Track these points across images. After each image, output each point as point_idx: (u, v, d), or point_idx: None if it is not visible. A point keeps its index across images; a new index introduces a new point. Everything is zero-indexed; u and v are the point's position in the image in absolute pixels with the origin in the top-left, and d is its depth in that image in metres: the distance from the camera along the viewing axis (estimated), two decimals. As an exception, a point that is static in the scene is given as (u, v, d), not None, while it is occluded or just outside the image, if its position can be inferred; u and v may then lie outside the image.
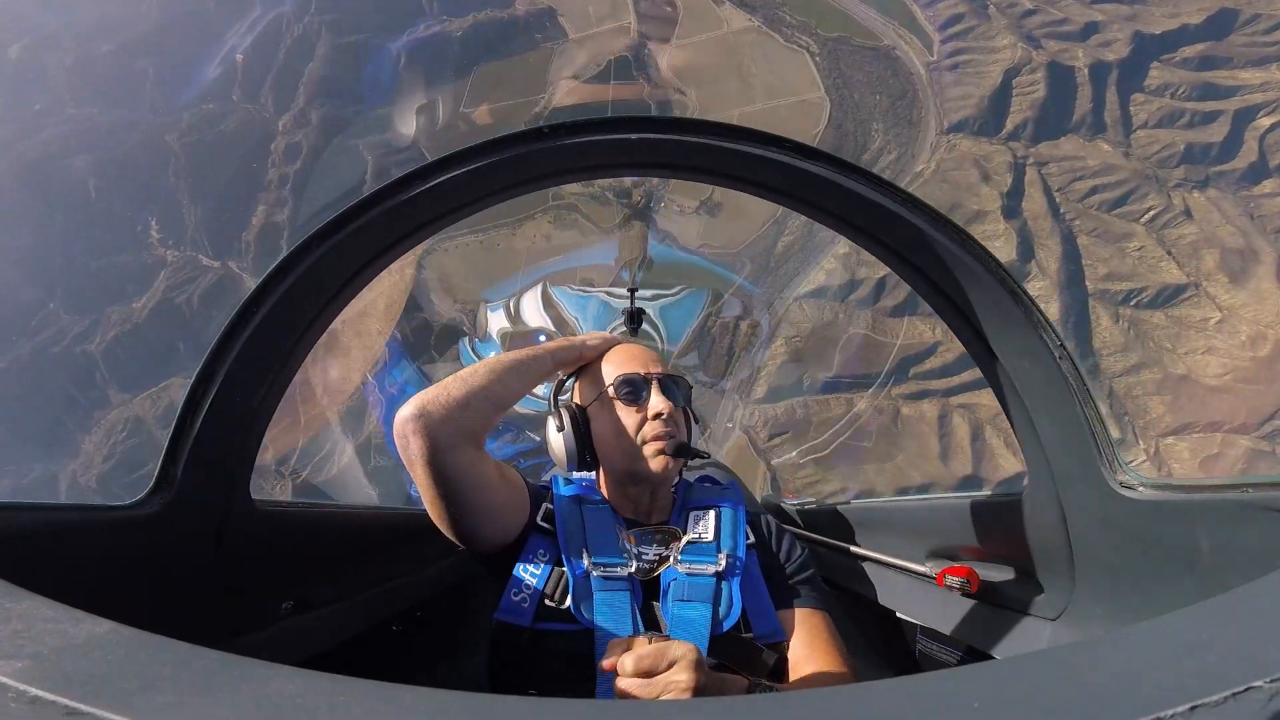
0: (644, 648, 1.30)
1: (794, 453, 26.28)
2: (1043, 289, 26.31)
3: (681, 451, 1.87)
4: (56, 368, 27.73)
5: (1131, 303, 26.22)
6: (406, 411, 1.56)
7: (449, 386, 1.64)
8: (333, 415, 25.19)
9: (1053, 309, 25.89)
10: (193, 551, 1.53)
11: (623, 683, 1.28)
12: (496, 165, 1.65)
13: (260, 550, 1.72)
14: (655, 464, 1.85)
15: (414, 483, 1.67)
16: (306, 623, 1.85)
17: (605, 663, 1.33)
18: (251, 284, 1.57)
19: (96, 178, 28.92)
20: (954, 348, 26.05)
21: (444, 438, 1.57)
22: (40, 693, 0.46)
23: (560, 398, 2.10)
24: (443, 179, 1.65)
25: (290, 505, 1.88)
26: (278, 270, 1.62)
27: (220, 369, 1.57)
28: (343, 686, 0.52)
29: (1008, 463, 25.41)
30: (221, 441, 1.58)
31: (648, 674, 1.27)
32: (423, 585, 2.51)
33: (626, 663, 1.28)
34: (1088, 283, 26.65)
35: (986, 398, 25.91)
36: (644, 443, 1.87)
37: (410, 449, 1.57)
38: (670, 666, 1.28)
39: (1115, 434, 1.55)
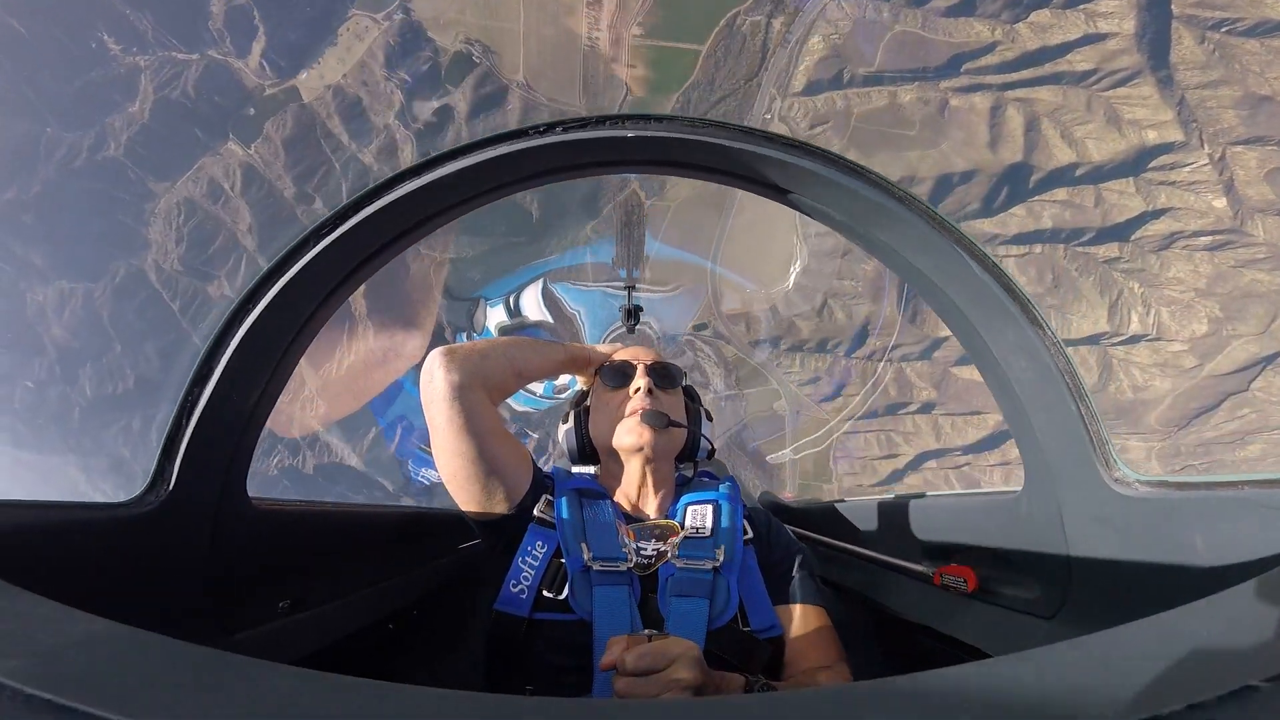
0: (643, 646, 1.30)
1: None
2: (1118, 7, 25.06)
3: (652, 419, 1.93)
4: (88, 178, 28.31)
5: (1224, 29, 24.68)
6: (436, 351, 1.76)
7: (474, 341, 1.84)
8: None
9: (1128, 25, 24.85)
10: (188, 550, 1.53)
11: (622, 682, 1.28)
12: (488, 164, 1.66)
13: (256, 548, 1.72)
14: (629, 432, 1.95)
15: (428, 443, 1.82)
16: (303, 621, 1.85)
17: (604, 661, 1.32)
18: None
19: (17, 17, 28.61)
20: (1015, 46, 25.26)
21: (464, 376, 1.74)
22: (36, 691, 0.46)
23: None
24: (434, 178, 1.65)
25: (287, 504, 1.88)
26: (271, 271, 1.63)
27: (215, 367, 1.56)
28: (339, 685, 0.52)
29: (1062, 154, 24.89)
30: (217, 440, 1.57)
31: (647, 672, 1.27)
32: (419, 584, 2.51)
33: (626, 660, 1.27)
34: (1173, 6, 25.03)
35: (1046, 93, 25.13)
36: (622, 418, 1.98)
37: (434, 381, 1.74)
38: (670, 665, 1.27)
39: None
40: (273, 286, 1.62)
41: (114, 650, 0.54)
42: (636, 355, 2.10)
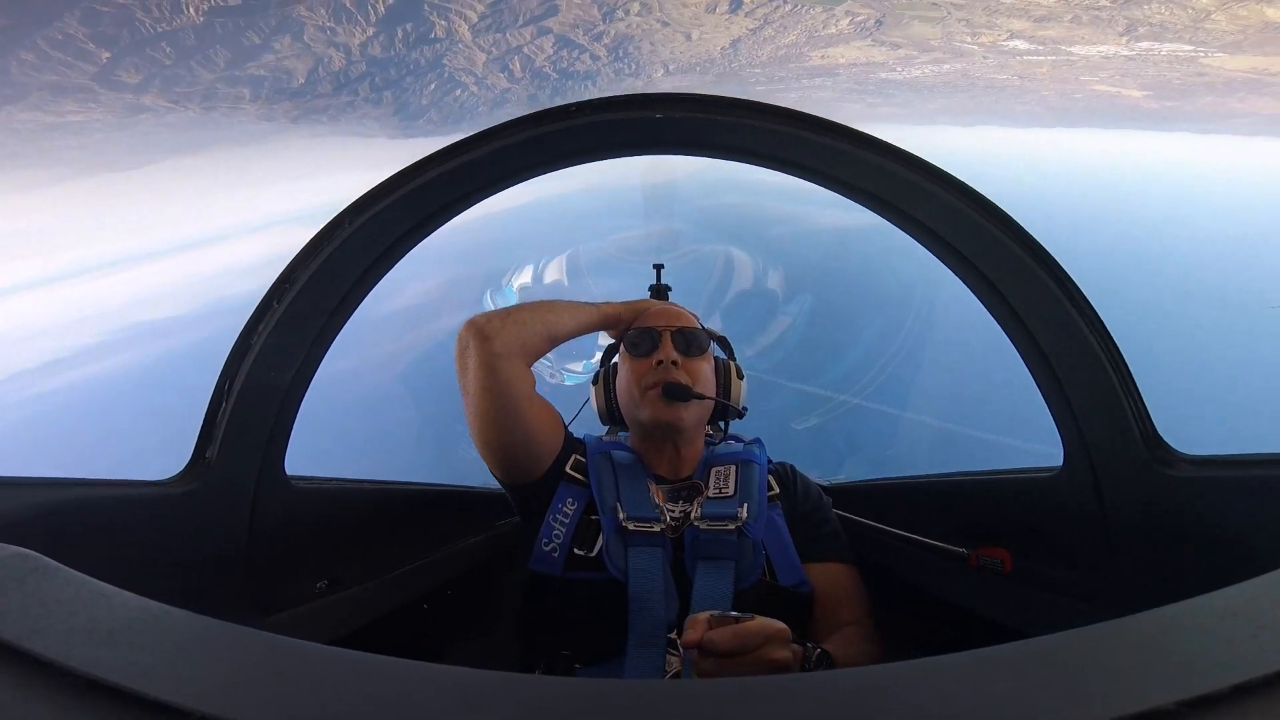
0: (732, 626, 1.27)
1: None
2: None
3: (674, 393, 1.90)
4: None
5: None
6: (470, 320, 1.74)
7: (507, 308, 1.81)
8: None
9: None
10: (229, 529, 1.56)
11: (708, 662, 1.25)
12: (521, 144, 1.65)
13: (295, 527, 1.75)
14: (647, 407, 1.92)
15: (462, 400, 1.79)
16: (340, 600, 1.88)
17: (687, 639, 1.28)
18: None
19: None
20: None
21: (499, 345, 1.71)
22: (73, 667, 0.46)
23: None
24: (467, 159, 1.65)
25: (325, 482, 1.91)
26: (309, 248, 1.65)
27: (254, 346, 1.59)
28: (375, 664, 0.52)
29: None
30: (256, 418, 1.60)
31: (739, 653, 1.24)
32: (455, 562, 2.54)
33: (716, 641, 1.24)
34: None
35: None
36: (644, 390, 1.94)
37: (469, 351, 1.72)
38: (762, 646, 1.25)
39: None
40: (308, 267, 1.64)
41: (152, 628, 0.55)
42: (663, 319, 2.06)
